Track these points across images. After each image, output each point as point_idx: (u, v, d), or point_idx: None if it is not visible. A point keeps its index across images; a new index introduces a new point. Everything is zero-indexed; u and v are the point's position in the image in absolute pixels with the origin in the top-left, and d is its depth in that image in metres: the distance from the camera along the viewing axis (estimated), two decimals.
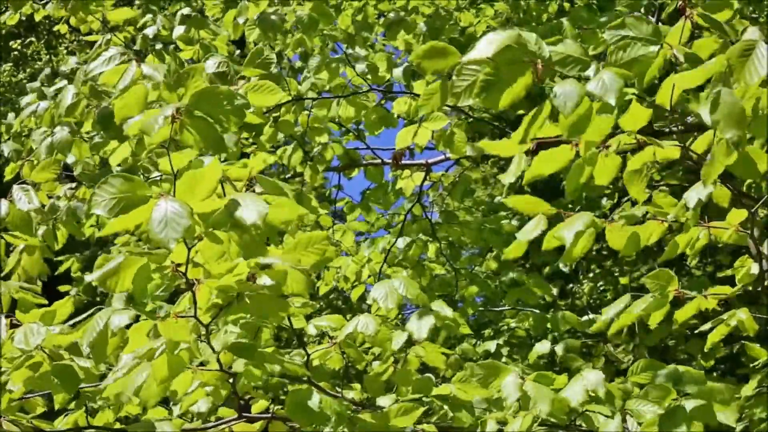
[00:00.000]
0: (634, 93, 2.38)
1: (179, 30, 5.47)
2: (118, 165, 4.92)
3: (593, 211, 8.95)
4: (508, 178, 2.59)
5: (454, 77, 1.91)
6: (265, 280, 2.51)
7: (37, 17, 6.59)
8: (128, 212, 2.17)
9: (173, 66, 5.06)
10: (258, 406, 3.73)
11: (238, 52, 6.86)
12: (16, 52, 12.97)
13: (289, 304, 2.70)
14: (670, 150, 2.74)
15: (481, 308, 8.15)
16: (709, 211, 3.05)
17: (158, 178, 4.30)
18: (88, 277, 2.36)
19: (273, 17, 5.32)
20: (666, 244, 3.20)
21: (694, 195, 2.77)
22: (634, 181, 2.79)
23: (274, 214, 2.41)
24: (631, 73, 2.04)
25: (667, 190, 8.75)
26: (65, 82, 5.00)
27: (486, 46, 1.89)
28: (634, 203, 3.08)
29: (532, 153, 2.53)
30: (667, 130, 4.01)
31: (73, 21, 6.13)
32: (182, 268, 2.42)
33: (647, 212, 3.03)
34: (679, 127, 3.90)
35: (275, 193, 2.52)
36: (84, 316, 2.72)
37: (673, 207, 2.96)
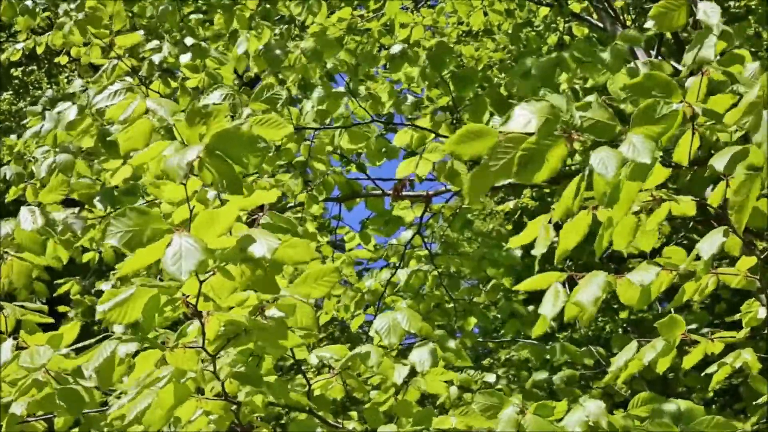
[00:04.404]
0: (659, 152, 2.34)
1: (185, 58, 5.49)
2: (116, 186, 4.92)
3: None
4: (539, 250, 2.55)
5: (486, 158, 1.81)
6: (273, 312, 2.53)
7: (39, 50, 6.59)
8: (143, 245, 2.18)
9: (182, 99, 5.08)
10: None
11: (237, 81, 6.88)
12: (16, 80, 13.00)
13: (296, 336, 2.71)
14: (685, 206, 2.73)
15: (480, 339, 8.12)
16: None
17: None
18: (98, 308, 2.36)
19: (278, 49, 5.35)
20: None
21: (707, 247, 2.71)
22: (644, 237, 2.77)
23: (287, 253, 2.45)
24: (657, 131, 1.98)
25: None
26: (69, 103, 5.00)
27: (524, 121, 1.79)
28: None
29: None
30: None
31: (74, 51, 6.13)
32: (192, 300, 2.43)
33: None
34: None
35: (288, 229, 2.54)
36: (91, 341, 2.72)
37: (684, 260, 2.94)
